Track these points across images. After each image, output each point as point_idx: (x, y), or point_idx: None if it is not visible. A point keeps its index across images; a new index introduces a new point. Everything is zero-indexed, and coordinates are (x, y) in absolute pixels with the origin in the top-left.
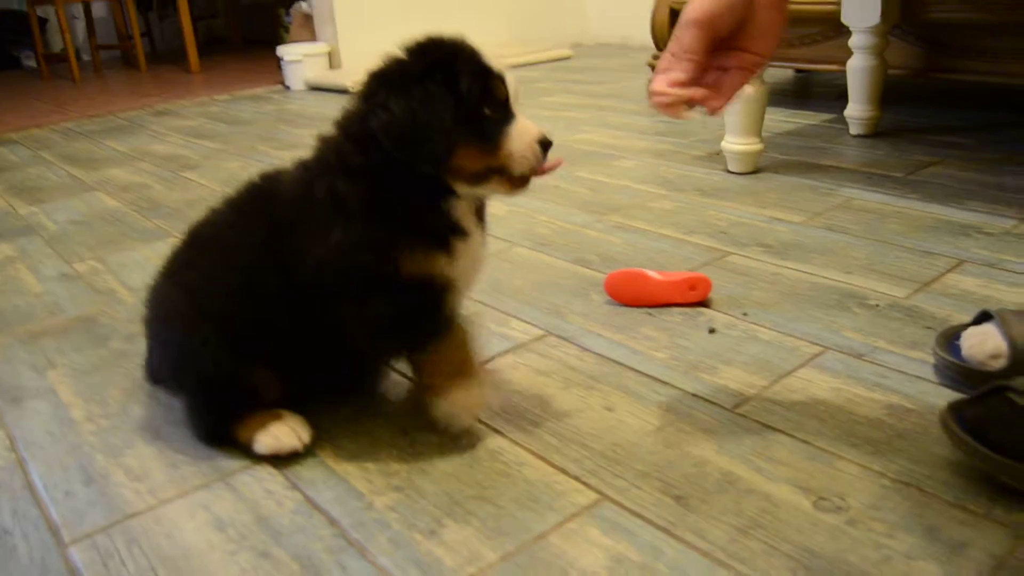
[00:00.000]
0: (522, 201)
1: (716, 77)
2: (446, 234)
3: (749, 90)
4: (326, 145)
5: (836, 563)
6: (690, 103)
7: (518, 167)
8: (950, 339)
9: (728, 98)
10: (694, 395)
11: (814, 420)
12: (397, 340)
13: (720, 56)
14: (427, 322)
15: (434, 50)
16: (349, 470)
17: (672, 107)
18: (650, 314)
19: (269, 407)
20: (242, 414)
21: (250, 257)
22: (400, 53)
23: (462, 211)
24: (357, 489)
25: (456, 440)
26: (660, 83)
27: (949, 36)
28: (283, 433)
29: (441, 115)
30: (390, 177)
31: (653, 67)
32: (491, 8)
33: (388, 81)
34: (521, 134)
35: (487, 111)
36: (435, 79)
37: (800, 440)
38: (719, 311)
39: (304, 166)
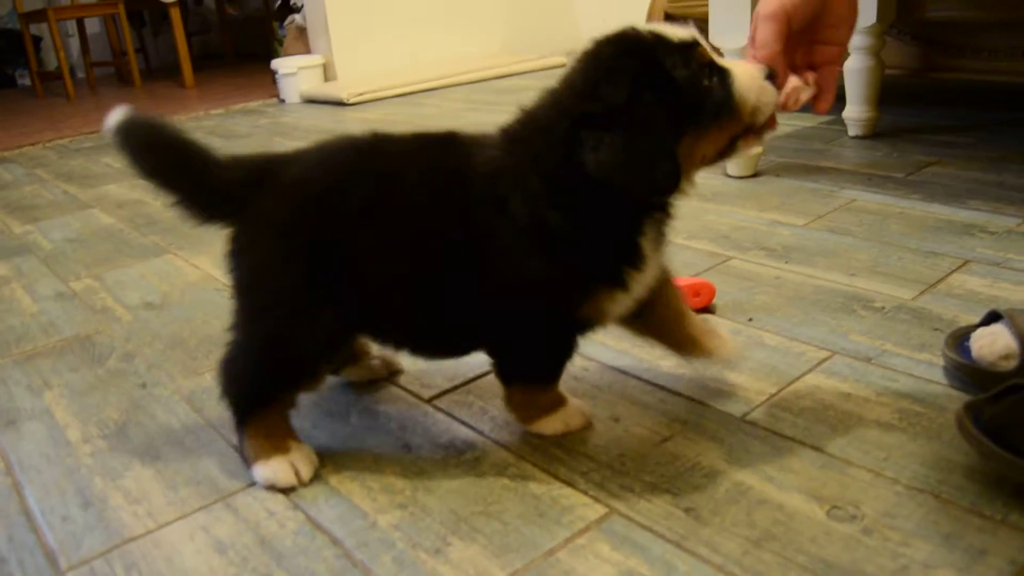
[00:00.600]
0: None
1: (811, 77)
2: (632, 267)
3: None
4: (521, 146)
5: (852, 573)
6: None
7: (762, 115)
8: (959, 340)
9: (833, 93)
10: (701, 404)
11: (824, 426)
12: (536, 369)
13: (800, 53)
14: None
15: (624, 60)
16: (352, 488)
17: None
18: None
19: (289, 434)
20: (273, 406)
21: (429, 224)
22: (595, 71)
23: (650, 237)
24: (360, 508)
25: (460, 455)
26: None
27: (945, 35)
28: (282, 471)
29: (662, 137)
30: (592, 205)
31: None
32: (483, 18)
33: (594, 117)
34: (748, 83)
35: (705, 84)
36: (643, 98)
37: (811, 447)
38: (724, 317)
39: (497, 156)
